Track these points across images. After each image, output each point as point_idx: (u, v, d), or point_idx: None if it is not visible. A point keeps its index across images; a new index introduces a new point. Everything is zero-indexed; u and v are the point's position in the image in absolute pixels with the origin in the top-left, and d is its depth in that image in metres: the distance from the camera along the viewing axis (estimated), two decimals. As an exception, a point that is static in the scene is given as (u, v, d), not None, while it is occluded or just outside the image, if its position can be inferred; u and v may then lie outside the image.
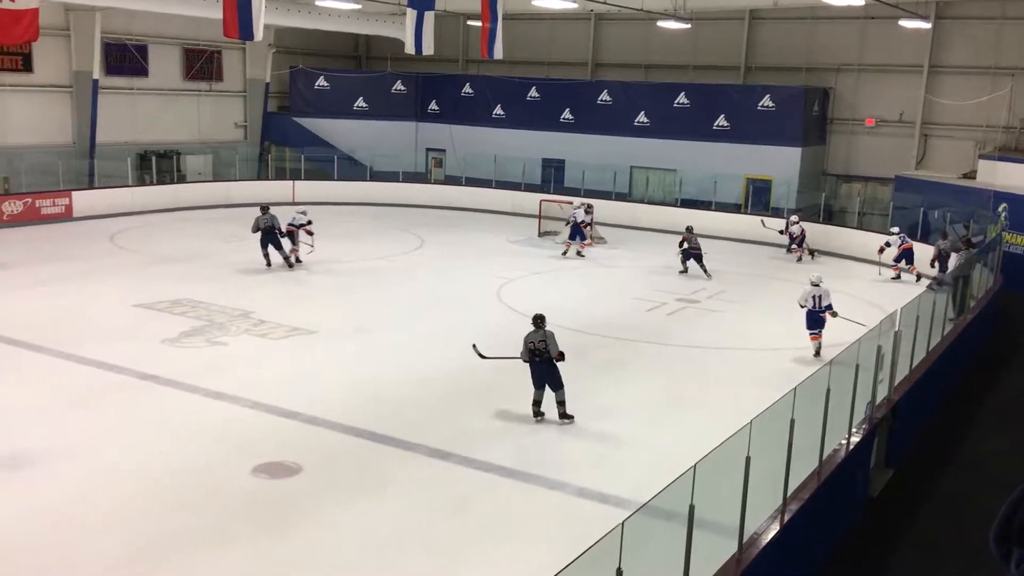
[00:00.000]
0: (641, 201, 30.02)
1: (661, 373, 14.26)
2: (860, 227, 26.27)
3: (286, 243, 20.63)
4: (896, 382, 11.50)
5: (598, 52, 34.58)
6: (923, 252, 21.80)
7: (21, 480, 9.62)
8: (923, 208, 24.17)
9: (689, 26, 27.86)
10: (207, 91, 32.82)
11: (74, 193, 25.87)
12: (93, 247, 22.29)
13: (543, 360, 11.57)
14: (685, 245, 21.53)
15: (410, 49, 21.96)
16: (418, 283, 19.82)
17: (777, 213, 27.65)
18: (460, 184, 32.26)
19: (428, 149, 35.71)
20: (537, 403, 11.84)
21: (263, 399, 12.14)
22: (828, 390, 8.74)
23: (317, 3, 27.07)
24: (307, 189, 30.52)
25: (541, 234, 26.36)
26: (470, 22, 33.67)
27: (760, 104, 29.42)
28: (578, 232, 23.72)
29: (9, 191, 25.60)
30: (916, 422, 12.52)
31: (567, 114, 32.90)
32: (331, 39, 36.07)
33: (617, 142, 31.35)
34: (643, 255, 24.15)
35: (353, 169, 32.59)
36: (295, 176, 31.66)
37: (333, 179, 31.62)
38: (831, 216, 28.04)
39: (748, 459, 7.04)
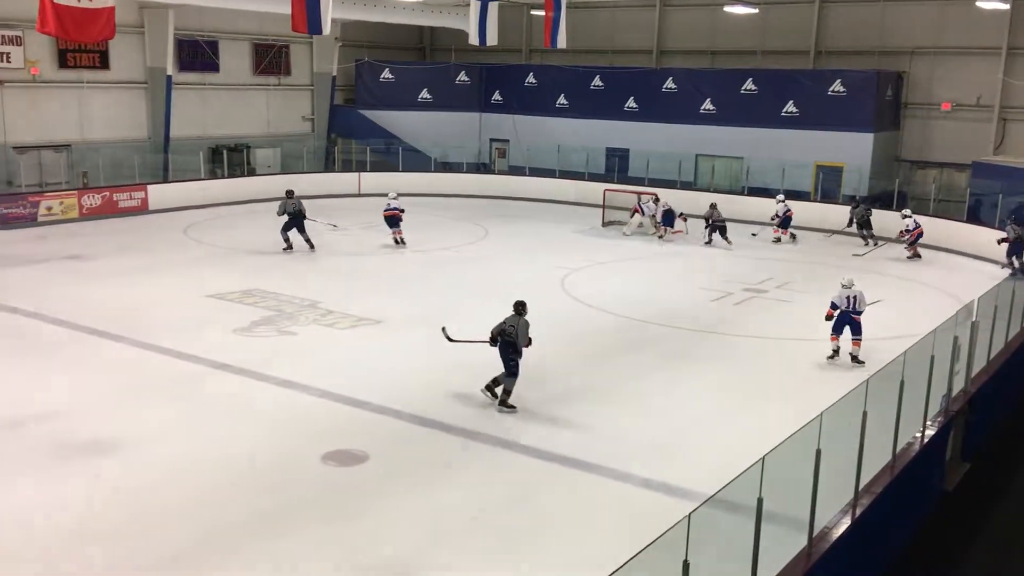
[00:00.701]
0: (707, 190, 29.61)
1: (728, 364, 14.09)
2: (936, 215, 25.55)
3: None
4: (973, 374, 11.19)
5: (663, 39, 34.21)
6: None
7: (103, 465, 9.95)
8: (1001, 195, 23.40)
9: (757, 11, 27.45)
10: (276, 85, 33.40)
11: (149, 187, 26.58)
12: (167, 239, 22.90)
13: (505, 342, 11.69)
14: (711, 220, 23.73)
15: (474, 40, 22.08)
16: (482, 273, 19.91)
17: (849, 200, 27.04)
18: (524, 174, 32.28)
19: (492, 139, 35.79)
20: (490, 382, 12.02)
21: (331, 388, 12.34)
22: (902, 382, 8.56)
23: (382, -4, 27.35)
24: (373, 180, 30.86)
25: (605, 224, 26.23)
26: (533, 12, 33.63)
27: (831, 89, 28.78)
28: (670, 218, 24.29)
29: (88, 185, 26.42)
30: (994, 415, 12.17)
31: (631, 103, 32.64)
32: (396, 31, 36.38)
33: (682, 130, 31.00)
34: (709, 244, 23.84)
35: (418, 160, 32.85)
36: (361, 168, 32.05)
37: (398, 170, 31.90)
38: (905, 203, 27.31)
39: (819, 452, 6.93)
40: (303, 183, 29.83)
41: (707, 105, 31.06)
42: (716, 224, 23.69)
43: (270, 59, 32.81)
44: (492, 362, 13.61)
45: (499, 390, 11.86)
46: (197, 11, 28.88)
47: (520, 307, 11.91)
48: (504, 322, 11.84)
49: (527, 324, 11.80)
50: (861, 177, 27.61)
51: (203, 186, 28.01)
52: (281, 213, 21.20)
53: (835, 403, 7.52)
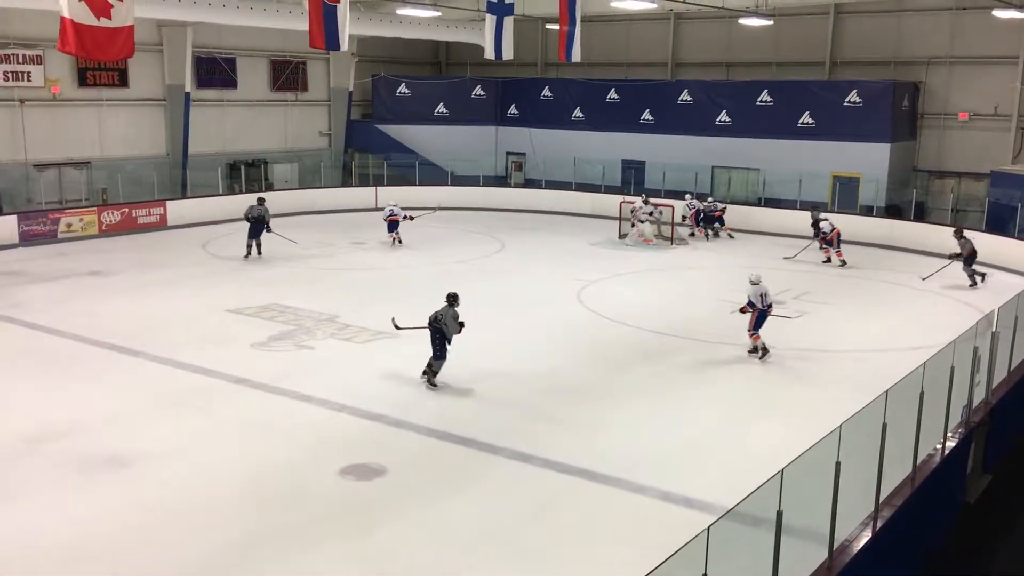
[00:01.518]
0: (723, 201, 29.53)
1: (746, 376, 14.03)
2: (953, 224, 25.38)
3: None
4: (994, 385, 11.09)
5: (678, 52, 34.25)
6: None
7: (122, 480, 10.01)
8: (1020, 204, 23.23)
9: (771, 22, 27.39)
10: (293, 101, 33.66)
11: (168, 202, 26.80)
12: (186, 254, 23.06)
13: (437, 329, 13.06)
14: (702, 215, 25.78)
15: (489, 54, 22.15)
16: (499, 286, 19.93)
17: (866, 211, 26.96)
18: (540, 187, 32.33)
19: (508, 153, 35.88)
20: (429, 366, 13.25)
21: (349, 402, 12.37)
22: (922, 393, 8.50)
23: (398, 12, 27.49)
24: (389, 195, 30.93)
25: (622, 236, 26.23)
26: (549, 26, 33.73)
27: (847, 100, 28.71)
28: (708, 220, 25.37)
29: (107, 201, 26.67)
30: (1015, 426, 12.05)
31: (647, 115, 32.66)
32: (412, 47, 36.61)
33: (698, 142, 30.99)
34: (725, 256, 23.79)
35: (434, 174, 32.97)
36: (378, 182, 32.20)
37: (415, 184, 32.04)
38: (924, 213, 27.18)
39: (838, 464, 6.89)
40: (321, 198, 30.14)
41: (723, 117, 31.04)
42: (708, 216, 25.17)
43: (287, 75, 33.07)
44: (511, 376, 13.65)
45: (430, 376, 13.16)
46: (215, 28, 29.17)
47: (451, 299, 13.31)
48: (438, 311, 13.16)
49: (455, 314, 13.10)
50: (878, 188, 27.49)
51: (221, 202, 28.19)
52: (246, 217, 22.36)
53: (854, 415, 7.47)
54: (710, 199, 27.33)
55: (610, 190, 30.64)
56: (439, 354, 13.10)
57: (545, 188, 32.11)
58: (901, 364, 12.66)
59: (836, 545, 7.18)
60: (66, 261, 21.79)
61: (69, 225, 24.58)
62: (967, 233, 20.71)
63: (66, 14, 13.72)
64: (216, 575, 8.14)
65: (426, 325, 13.19)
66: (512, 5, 21.99)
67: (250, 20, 26.71)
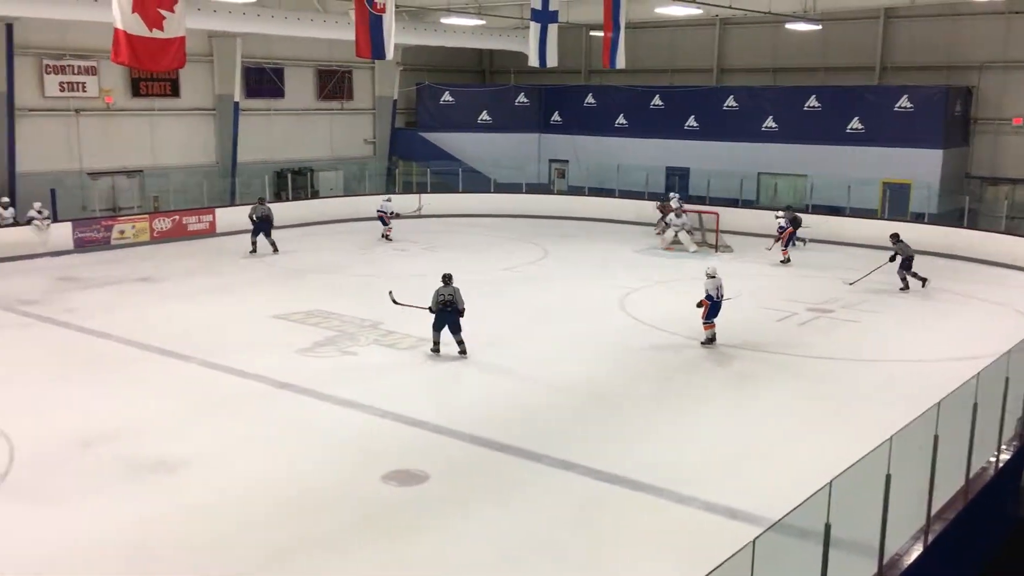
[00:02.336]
0: (769, 208, 29.21)
1: (793, 385, 13.83)
2: (1008, 232, 24.83)
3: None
4: (1051, 397, 10.79)
5: (723, 57, 33.99)
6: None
7: (168, 483, 10.15)
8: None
9: (820, 27, 27.07)
10: (339, 110, 34.00)
11: (217, 210, 27.20)
12: (233, 261, 23.39)
13: (452, 311, 14.41)
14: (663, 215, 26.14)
15: (534, 62, 22.17)
16: (541, 294, 19.90)
17: (917, 218, 26.45)
18: (583, 194, 32.25)
19: (551, 160, 35.86)
20: (436, 343, 14.78)
21: (392, 408, 12.43)
22: (975, 405, 8.30)
23: (443, 20, 27.66)
24: (433, 202, 31.14)
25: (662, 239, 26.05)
26: (592, 32, 33.72)
27: (897, 105, 28.23)
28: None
29: (159, 209, 27.16)
30: (1074, 440, 11.70)
31: (692, 121, 32.43)
32: (456, 55, 36.80)
33: (744, 148, 30.68)
34: (772, 264, 23.50)
35: (477, 181, 33.05)
36: (422, 189, 32.37)
37: (458, 191, 32.16)
38: (976, 221, 26.59)
39: (888, 476, 6.76)
40: (365, 205, 30.35)
41: (769, 123, 30.71)
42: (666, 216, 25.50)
43: (333, 84, 33.43)
44: (554, 383, 13.62)
45: (440, 346, 14.76)
46: (264, 39, 29.58)
47: (448, 278, 14.67)
48: (440, 293, 14.48)
49: (459, 290, 14.55)
50: (930, 194, 26.97)
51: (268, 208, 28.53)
52: (250, 216, 23.84)
53: (905, 426, 7.32)
54: (673, 195, 28.05)
55: (654, 197, 30.44)
56: (458, 329, 14.60)
57: (588, 195, 32.01)
58: (954, 374, 12.39)
59: (886, 559, 7.03)
60: (118, 267, 22.23)
61: (122, 232, 25.07)
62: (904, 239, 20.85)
63: (119, 26, 14.00)
64: (260, 579, 8.21)
65: (437, 308, 14.48)
66: (556, 12, 21.98)
67: (298, 30, 27.06)
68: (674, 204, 27.00)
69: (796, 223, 24.53)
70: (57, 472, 10.38)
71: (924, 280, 20.32)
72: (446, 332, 14.68)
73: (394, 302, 15.12)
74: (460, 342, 14.71)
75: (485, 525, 9.23)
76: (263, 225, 23.91)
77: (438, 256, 23.84)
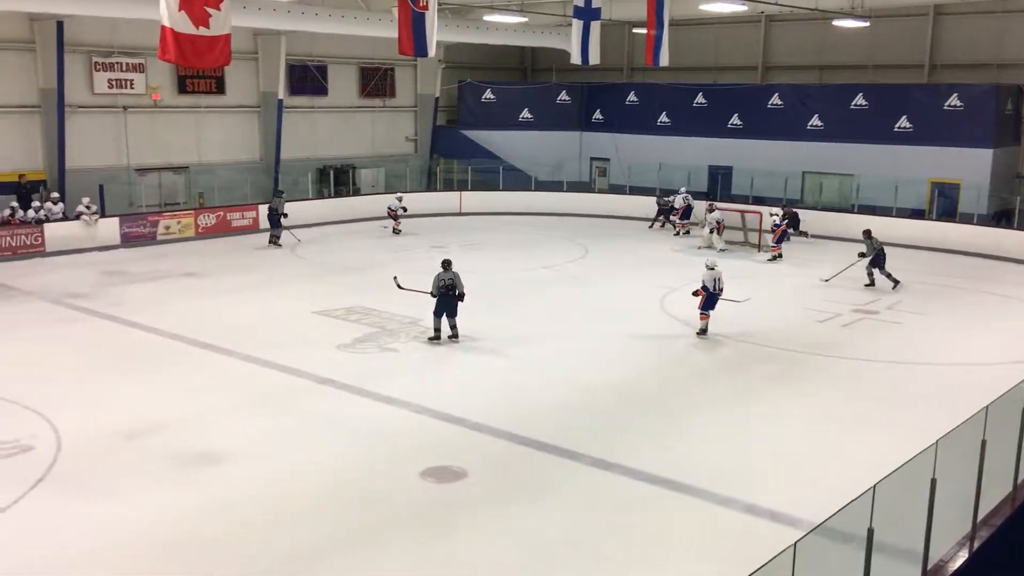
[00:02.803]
0: (814, 208, 28.84)
1: (835, 387, 13.63)
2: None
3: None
4: (1103, 403, 10.50)
5: (768, 55, 33.61)
6: None
7: (210, 476, 10.29)
8: None
9: (868, 24, 26.65)
10: (381, 107, 34.21)
11: (260, 206, 27.51)
12: (276, 257, 23.65)
13: (452, 296, 15.09)
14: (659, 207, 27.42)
15: (576, 59, 22.10)
16: (582, 292, 19.84)
17: (966, 219, 25.94)
18: (624, 193, 32.11)
19: (592, 158, 35.74)
20: (437, 330, 15.37)
21: (431, 404, 12.47)
22: (1024, 409, 8.11)
23: (485, 18, 27.69)
24: (474, 200, 31.23)
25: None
26: (635, 30, 33.53)
27: (947, 104, 27.69)
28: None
29: (204, 205, 27.55)
30: None
31: (735, 119, 32.12)
32: (498, 52, 36.82)
33: (788, 147, 30.31)
34: (815, 264, 23.20)
35: (518, 179, 33.05)
36: (462, 187, 32.46)
37: (499, 189, 32.18)
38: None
39: (934, 481, 6.62)
40: (406, 202, 30.49)
41: (815, 121, 30.31)
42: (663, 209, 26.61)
43: (376, 82, 33.64)
44: (594, 382, 13.58)
45: (441, 333, 15.38)
46: (308, 37, 29.86)
47: (448, 264, 15.39)
48: (440, 278, 15.14)
49: (459, 275, 15.24)
50: (979, 194, 26.42)
51: (310, 206, 28.83)
52: (270, 209, 25.17)
53: (952, 430, 7.17)
54: (682, 189, 28.76)
55: (696, 196, 30.20)
56: (455, 313, 15.30)
57: (629, 194, 31.87)
58: (1002, 378, 12.15)
59: (930, 565, 6.90)
60: (164, 262, 22.57)
61: (167, 228, 25.47)
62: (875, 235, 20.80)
63: (167, 23, 14.20)
64: (295, 573, 8.27)
65: (438, 293, 15.11)
66: (599, 10, 21.89)
67: (341, 28, 27.27)
68: (679, 202, 28.00)
69: (795, 221, 25.13)
70: (102, 464, 10.56)
71: (896, 282, 20.21)
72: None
73: (399, 287, 15.89)
74: (453, 326, 15.39)
75: (522, 523, 9.21)
76: (271, 217, 24.97)
77: (478, 254, 23.87)
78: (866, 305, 18.65)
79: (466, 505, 9.65)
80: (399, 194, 28.03)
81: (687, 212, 28.01)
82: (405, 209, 27.32)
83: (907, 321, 17.52)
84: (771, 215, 25.06)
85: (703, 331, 16.16)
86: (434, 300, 15.29)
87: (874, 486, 5.92)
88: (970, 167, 26.94)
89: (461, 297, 15.28)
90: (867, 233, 20.66)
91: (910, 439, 8.49)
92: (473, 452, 11.00)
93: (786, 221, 24.54)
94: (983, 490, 7.56)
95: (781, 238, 24.17)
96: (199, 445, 11.04)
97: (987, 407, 7.55)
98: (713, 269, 16.19)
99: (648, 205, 29.53)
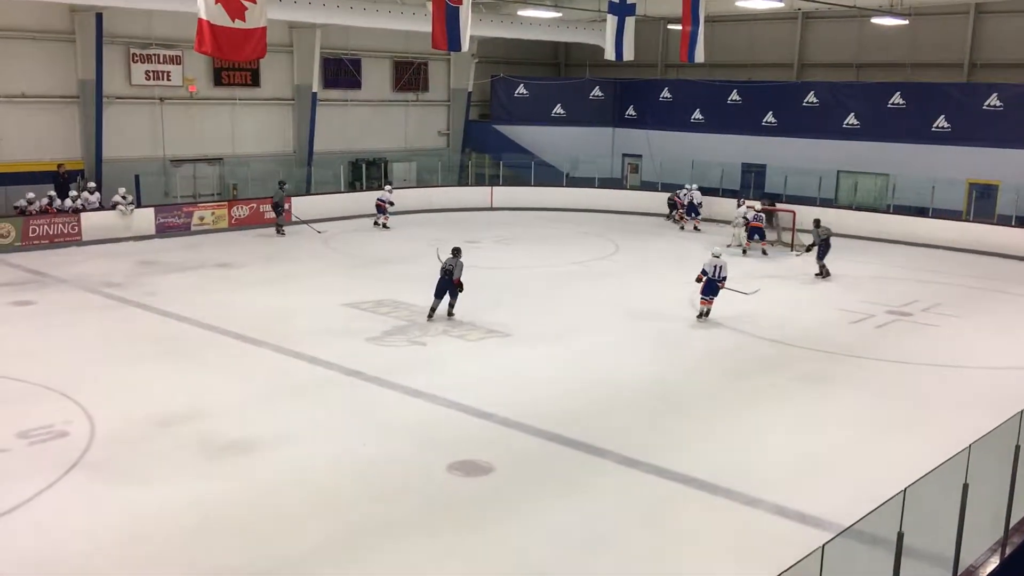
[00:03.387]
0: (849, 207, 28.53)
1: (868, 389, 13.48)
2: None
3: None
4: None
5: (804, 52, 33.27)
6: None
7: (240, 465, 10.39)
8: None
9: (907, 22, 26.30)
10: (414, 101, 34.31)
11: (293, 199, 27.71)
12: (308, 249, 23.82)
13: (448, 278, 16.33)
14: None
15: (610, 55, 22.00)
16: (612, 289, 19.78)
17: (1005, 221, 25.53)
18: (656, 190, 31.96)
19: (624, 155, 35.61)
20: (433, 309, 16.55)
21: (459, 398, 12.50)
22: (1061, 415, 7.96)
23: (519, 13, 27.66)
24: (505, 195, 31.23)
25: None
26: (670, 26, 33.33)
27: (986, 103, 27.27)
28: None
29: (237, 197, 27.80)
30: None
31: (770, 117, 31.85)
32: (531, 48, 36.78)
33: (823, 145, 30.02)
34: (849, 264, 22.96)
35: (550, 175, 33.02)
36: (493, 182, 32.48)
37: (530, 185, 32.15)
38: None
39: (966, 486, 6.54)
40: (437, 196, 30.61)
41: (851, 120, 29.98)
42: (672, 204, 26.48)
43: (409, 76, 33.73)
44: (622, 380, 13.56)
45: (435, 312, 16.60)
46: (343, 30, 30.02)
47: (457, 252, 16.63)
48: (445, 262, 16.50)
49: (462, 264, 16.44)
50: (1019, 196, 25.97)
51: (343, 199, 28.98)
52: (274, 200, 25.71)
53: (985, 435, 7.08)
54: (690, 185, 28.85)
55: (728, 194, 29.99)
56: (453, 294, 16.51)
57: (662, 191, 31.72)
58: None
59: (961, 570, 6.81)
60: (197, 252, 22.82)
61: (202, 218, 25.74)
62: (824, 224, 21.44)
63: (203, 16, 14.30)
64: (324, 563, 8.34)
65: (442, 271, 16.46)
66: (634, 5, 21.78)
67: (376, 22, 27.39)
68: (683, 196, 28.46)
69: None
70: (134, 451, 10.71)
71: (826, 273, 20.95)
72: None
73: (440, 260, 16.87)
74: (451, 304, 16.65)
75: (548, 520, 9.21)
76: (275, 207, 25.62)
77: (509, 249, 23.90)
78: (901, 307, 18.43)
79: (492, 500, 9.67)
80: (389, 185, 28.24)
81: (691, 208, 28.03)
82: (392, 203, 27.38)
83: (942, 324, 17.29)
84: (746, 206, 25.38)
85: (701, 315, 17.00)
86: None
87: (905, 489, 5.85)
88: (1009, 168, 26.50)
89: (459, 286, 16.43)
90: (816, 223, 21.19)
91: (942, 443, 8.38)
92: (500, 447, 11.02)
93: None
94: (1016, 496, 7.45)
95: (755, 233, 24.40)
96: (230, 434, 11.16)
97: (1022, 412, 7.43)
98: (718, 257, 17.07)
99: (716, 205, 29.29)
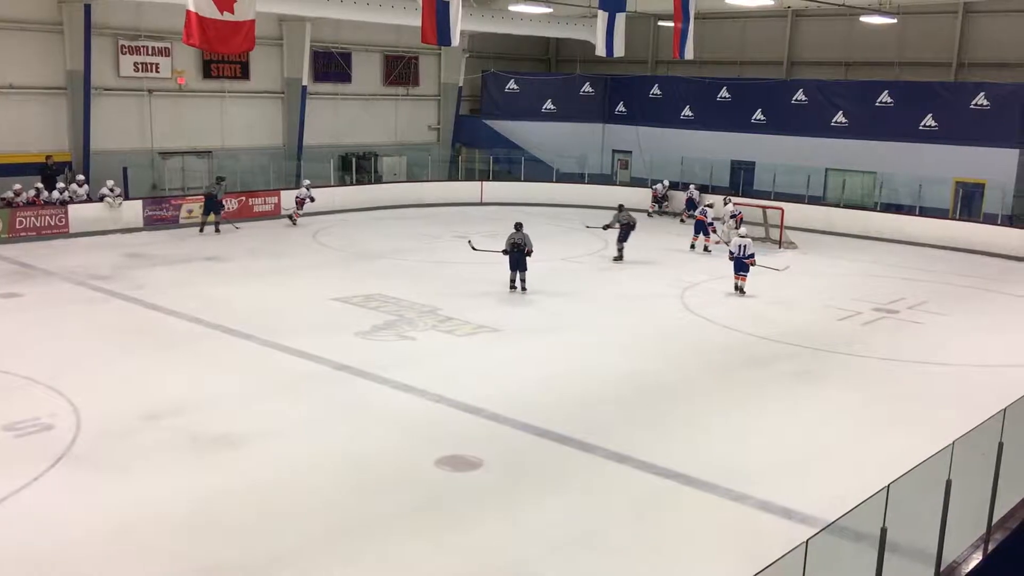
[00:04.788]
0: (836, 205, 28.67)
1: (853, 386, 13.57)
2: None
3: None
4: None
5: (794, 50, 33.37)
6: None
7: (228, 459, 10.38)
8: None
9: (895, 21, 26.41)
10: (404, 95, 34.25)
11: (282, 192, 27.65)
12: (297, 243, 23.77)
13: (520, 252, 18.02)
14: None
15: (601, 51, 22.01)
16: (601, 284, 19.83)
17: (990, 219, 25.70)
18: (646, 186, 32.01)
19: (614, 151, 35.64)
20: (512, 280, 18.42)
21: (447, 393, 12.52)
22: (1044, 413, 8.05)
23: (510, 8, 27.63)
24: (495, 190, 31.24)
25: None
26: (661, 23, 33.38)
27: (973, 103, 27.40)
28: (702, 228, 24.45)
29: (226, 190, 27.66)
30: None
31: (759, 114, 31.93)
32: (522, 43, 36.76)
33: (812, 143, 30.11)
34: (836, 261, 23.09)
35: (540, 170, 33.03)
36: (484, 177, 32.47)
37: (520, 180, 32.16)
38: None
39: (949, 482, 6.60)
40: (427, 191, 30.60)
41: (839, 118, 30.08)
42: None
43: (399, 70, 33.67)
44: (611, 375, 13.60)
45: (518, 285, 18.40)
46: (333, 23, 29.93)
47: (520, 225, 18.38)
48: (512, 237, 18.05)
49: (529, 236, 18.09)
50: (1004, 195, 26.15)
51: (332, 193, 28.94)
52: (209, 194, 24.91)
53: (968, 432, 7.14)
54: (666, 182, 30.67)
55: (717, 191, 30.09)
56: (525, 268, 18.15)
57: (651, 187, 31.77)
58: (1021, 380, 12.07)
59: (944, 566, 6.88)
60: (186, 246, 22.75)
61: (190, 211, 25.64)
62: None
63: (191, 7, 14.24)
64: (311, 558, 8.35)
65: (509, 250, 18.04)
66: (624, 1, 21.79)
67: (366, 15, 27.31)
68: (659, 189, 30.24)
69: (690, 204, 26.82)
70: (121, 444, 10.68)
71: (621, 257, 21.96)
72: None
73: (472, 248, 18.55)
74: (523, 279, 18.25)
75: (536, 515, 9.25)
76: (208, 201, 24.81)
77: (499, 244, 23.85)
78: (887, 305, 18.54)
79: (481, 495, 9.70)
80: (307, 181, 27.08)
81: (663, 199, 30.34)
82: (313, 199, 26.45)
83: (928, 321, 17.41)
84: (724, 203, 26.03)
85: (737, 288, 18.93)
86: (506, 257, 18.27)
87: (888, 485, 5.91)
88: (996, 167, 26.65)
89: (529, 253, 18.00)
90: (620, 207, 22.16)
91: (927, 439, 8.45)
92: (489, 442, 11.05)
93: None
94: (999, 493, 7.52)
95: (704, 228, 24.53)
96: (216, 428, 11.14)
97: (1005, 409, 7.51)
98: (744, 237, 19.02)
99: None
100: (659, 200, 30.48)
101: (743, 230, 19.76)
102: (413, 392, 12.63)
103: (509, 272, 18.32)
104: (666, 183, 30.87)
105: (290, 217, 26.47)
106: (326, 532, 8.77)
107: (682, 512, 9.49)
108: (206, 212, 24.88)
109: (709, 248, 23.94)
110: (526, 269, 18.18)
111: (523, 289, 18.28)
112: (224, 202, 25.21)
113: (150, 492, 9.46)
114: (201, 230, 24.65)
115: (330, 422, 11.60)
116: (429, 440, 10.97)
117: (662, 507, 9.60)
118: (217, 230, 24.76)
